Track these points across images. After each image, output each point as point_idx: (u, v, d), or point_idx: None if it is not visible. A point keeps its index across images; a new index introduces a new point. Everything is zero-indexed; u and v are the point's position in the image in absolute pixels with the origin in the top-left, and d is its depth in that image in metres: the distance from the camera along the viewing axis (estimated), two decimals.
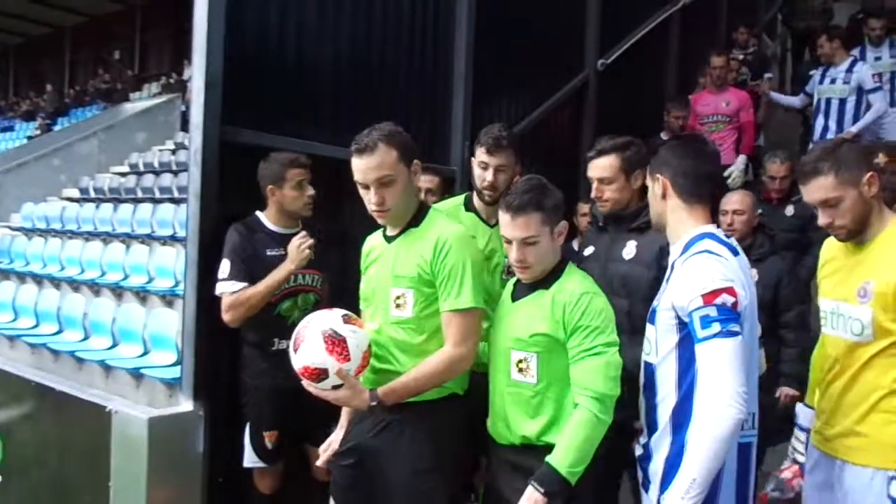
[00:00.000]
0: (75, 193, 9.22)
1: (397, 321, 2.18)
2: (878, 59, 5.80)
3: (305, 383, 2.08)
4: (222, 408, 2.97)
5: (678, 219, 1.95)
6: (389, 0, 3.88)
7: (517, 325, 2.13)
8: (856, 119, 5.39)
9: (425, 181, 3.20)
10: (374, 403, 2.07)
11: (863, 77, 5.37)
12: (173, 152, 9.57)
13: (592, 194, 2.64)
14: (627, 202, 2.58)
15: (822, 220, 2.01)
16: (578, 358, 2.01)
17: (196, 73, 2.87)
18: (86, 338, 5.34)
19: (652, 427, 1.91)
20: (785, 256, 3.82)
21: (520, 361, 2.09)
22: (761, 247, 3.50)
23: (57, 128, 13.40)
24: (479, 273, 2.16)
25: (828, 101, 5.49)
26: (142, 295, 5.39)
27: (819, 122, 5.55)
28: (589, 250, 2.70)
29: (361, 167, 2.16)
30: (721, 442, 1.67)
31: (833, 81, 5.47)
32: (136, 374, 4.47)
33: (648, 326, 1.94)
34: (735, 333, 1.72)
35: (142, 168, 9.49)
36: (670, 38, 6.84)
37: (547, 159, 5.17)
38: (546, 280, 2.13)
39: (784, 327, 3.45)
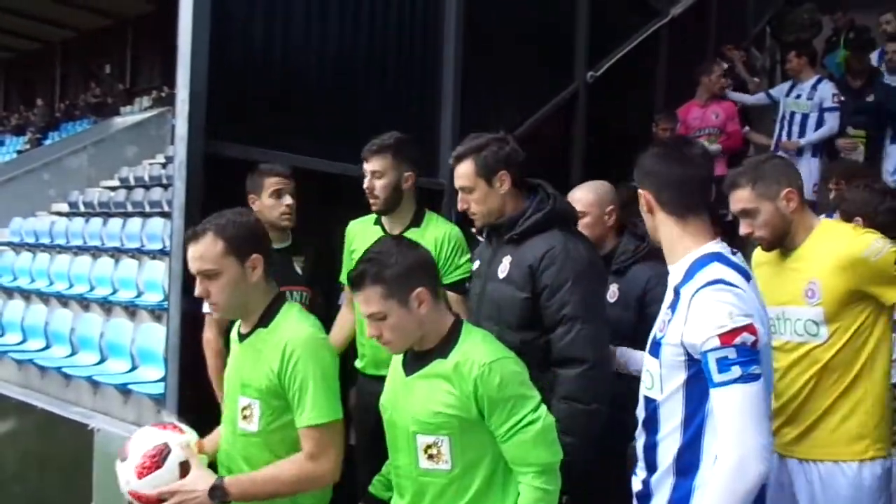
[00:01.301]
0: (64, 208, 9.18)
1: (244, 434, 1.98)
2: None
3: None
4: (208, 424, 2.92)
5: (672, 236, 1.73)
6: (377, 12, 3.88)
7: (417, 405, 1.83)
8: (816, 130, 5.55)
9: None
10: (215, 486, 1.85)
11: (825, 95, 5.53)
12: (163, 166, 9.54)
13: (458, 206, 2.37)
14: (500, 210, 2.26)
15: (742, 229, 2.11)
16: (509, 436, 1.76)
17: (180, 86, 2.86)
18: (73, 353, 5.30)
19: (651, 465, 1.73)
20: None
21: (428, 447, 1.80)
22: (623, 254, 2.77)
23: (47, 142, 13.37)
24: (332, 379, 1.93)
25: (792, 115, 5.65)
26: (130, 309, 5.35)
27: (781, 133, 5.69)
28: (475, 265, 2.47)
29: (188, 255, 2.00)
30: (745, 499, 1.52)
31: (798, 97, 5.65)
32: (124, 390, 4.43)
33: (650, 359, 1.73)
34: (757, 377, 1.54)
35: (132, 182, 9.47)
36: (659, 50, 6.88)
37: (536, 171, 5.17)
38: (441, 347, 1.83)
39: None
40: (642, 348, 2.19)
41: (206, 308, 2.69)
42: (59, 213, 8.92)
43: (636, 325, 2.46)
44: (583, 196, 2.76)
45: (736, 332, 1.54)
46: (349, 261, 2.72)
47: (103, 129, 11.64)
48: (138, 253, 6.24)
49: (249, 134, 3.15)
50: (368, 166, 2.68)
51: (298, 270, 2.86)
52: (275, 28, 3.32)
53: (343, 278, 2.73)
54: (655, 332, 1.74)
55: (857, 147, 4.61)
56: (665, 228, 1.74)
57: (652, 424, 1.71)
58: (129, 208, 8.11)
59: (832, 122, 5.44)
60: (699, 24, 7.71)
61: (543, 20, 5.26)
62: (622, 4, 6.34)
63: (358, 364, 2.82)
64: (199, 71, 2.87)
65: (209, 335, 2.76)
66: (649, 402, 1.72)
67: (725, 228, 4.96)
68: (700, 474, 1.62)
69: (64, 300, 5.94)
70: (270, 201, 2.79)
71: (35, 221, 8.60)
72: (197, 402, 2.90)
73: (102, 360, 5.01)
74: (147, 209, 7.83)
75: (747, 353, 1.54)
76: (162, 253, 5.97)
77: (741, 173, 2.11)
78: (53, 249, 7.22)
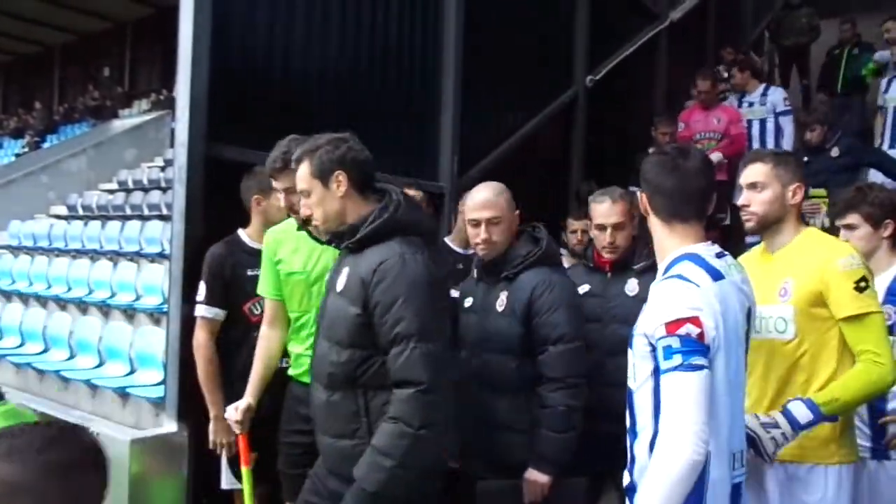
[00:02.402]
0: (63, 211, 9.15)
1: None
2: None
3: None
4: (207, 428, 2.92)
5: (659, 238, 1.84)
6: (377, 17, 3.89)
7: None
8: (776, 137, 5.82)
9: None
10: None
11: (776, 100, 5.83)
12: (162, 169, 9.51)
13: (301, 213, 2.23)
14: (339, 215, 2.07)
15: (741, 200, 2.18)
16: None
17: (181, 90, 2.86)
18: (71, 357, 5.27)
19: (632, 457, 1.80)
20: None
21: None
22: (513, 259, 2.54)
23: (46, 145, 13.34)
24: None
25: (749, 122, 5.89)
26: (129, 313, 5.33)
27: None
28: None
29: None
30: (675, 485, 1.54)
31: (751, 105, 5.91)
32: (123, 394, 4.41)
33: (629, 351, 1.82)
34: (698, 367, 1.58)
35: (131, 185, 9.44)
36: (658, 54, 6.89)
37: (536, 175, 5.18)
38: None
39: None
40: (531, 360, 2.33)
41: (198, 311, 2.70)
42: (58, 216, 8.89)
43: (523, 336, 2.34)
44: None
45: (680, 322, 1.61)
46: (273, 272, 2.52)
47: (102, 132, 11.61)
48: (137, 256, 6.21)
49: (249, 137, 3.15)
50: (279, 184, 2.43)
51: None
52: (276, 32, 3.33)
53: (265, 290, 2.56)
54: (633, 328, 1.83)
55: (819, 210, 4.06)
56: (654, 230, 1.87)
57: (631, 414, 1.80)
58: (128, 211, 8.08)
59: (789, 126, 5.76)
60: (698, 28, 7.74)
61: (543, 25, 5.27)
62: (622, 9, 6.35)
63: (293, 372, 2.62)
64: (199, 75, 2.88)
65: (201, 338, 2.73)
66: (629, 392, 1.82)
67: (723, 232, 5.00)
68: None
69: (62, 303, 5.91)
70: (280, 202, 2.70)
71: (33, 224, 8.56)
72: (196, 406, 2.89)
73: (101, 364, 4.98)
74: (146, 212, 7.81)
75: (691, 343, 1.60)
76: (161, 256, 5.94)
77: (766, 152, 2.25)
78: (52, 252, 7.18)
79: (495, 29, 4.74)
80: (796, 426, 1.97)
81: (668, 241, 1.81)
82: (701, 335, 1.61)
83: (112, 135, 11.14)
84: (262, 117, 3.26)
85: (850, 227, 2.54)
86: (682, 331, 1.60)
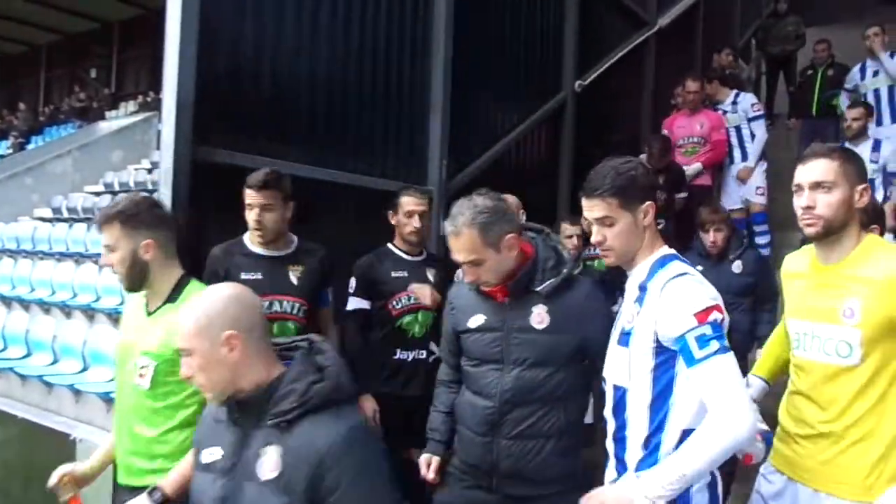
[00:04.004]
0: (48, 213, 9.07)
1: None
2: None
3: None
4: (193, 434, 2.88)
5: (650, 241, 1.91)
6: (366, 21, 3.87)
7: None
8: (752, 140, 5.83)
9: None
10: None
11: (745, 106, 5.89)
12: (149, 171, 9.45)
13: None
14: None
15: (803, 201, 1.95)
16: None
17: (167, 92, 2.83)
18: (55, 361, 5.21)
19: (621, 458, 1.85)
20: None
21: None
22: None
23: (30, 146, 13.21)
24: None
25: (726, 131, 5.92)
26: (114, 317, 5.27)
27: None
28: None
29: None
30: (731, 448, 1.65)
31: (724, 113, 5.92)
32: (107, 399, 4.36)
33: (618, 349, 1.87)
34: (730, 349, 1.70)
35: (117, 187, 9.37)
36: (646, 60, 6.92)
37: (525, 179, 5.18)
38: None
39: None
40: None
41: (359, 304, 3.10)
42: (42, 219, 8.80)
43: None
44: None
45: (709, 310, 1.70)
46: None
47: (88, 133, 11.52)
48: None
49: (236, 140, 3.12)
50: (102, 240, 2.36)
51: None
52: (264, 34, 3.31)
53: None
54: (623, 324, 1.87)
55: None
56: (651, 235, 1.89)
57: (620, 410, 1.85)
58: None
59: (760, 131, 5.82)
60: (686, 35, 7.78)
61: (532, 30, 5.28)
62: (611, 14, 6.38)
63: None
64: (186, 77, 2.85)
65: None
66: (617, 389, 1.86)
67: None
68: (663, 447, 1.76)
69: (46, 307, 5.84)
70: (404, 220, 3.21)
71: (17, 227, 8.46)
72: None
73: (85, 369, 4.93)
74: None
75: (719, 328, 1.71)
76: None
77: (832, 147, 1.97)
78: (36, 255, 7.11)
79: (484, 34, 4.74)
80: None
81: (658, 241, 1.90)
82: (723, 321, 1.72)
83: (98, 136, 11.05)
84: (249, 120, 3.24)
85: None
86: (712, 318, 1.69)
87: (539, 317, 2.15)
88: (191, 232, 2.87)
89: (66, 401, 4.63)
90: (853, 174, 1.92)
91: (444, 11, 4.24)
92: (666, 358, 1.76)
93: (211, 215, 2.98)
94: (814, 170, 1.93)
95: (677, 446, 1.74)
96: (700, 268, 3.33)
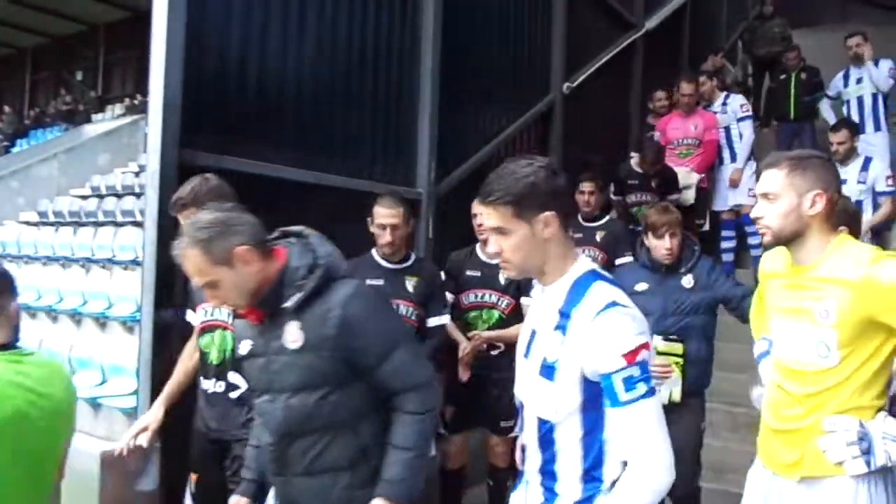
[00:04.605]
0: (33, 217, 8.99)
1: None
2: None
3: None
4: (180, 440, 2.86)
5: (561, 255, 1.68)
6: (354, 22, 3.86)
7: None
8: (741, 140, 5.91)
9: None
10: None
11: (735, 107, 5.98)
12: (136, 174, 9.39)
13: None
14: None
15: (755, 211, 2.00)
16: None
17: (154, 94, 2.82)
18: None
19: (549, 482, 1.71)
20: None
21: None
22: None
23: (15, 150, 13.11)
24: None
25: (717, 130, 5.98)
26: (101, 321, 5.24)
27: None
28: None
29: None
30: (651, 503, 1.55)
31: (715, 114, 5.98)
32: (94, 404, 4.32)
33: (541, 380, 1.67)
34: (655, 391, 1.58)
35: (103, 191, 9.30)
36: (634, 62, 6.96)
37: None
38: None
39: None
40: None
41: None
42: (28, 223, 8.72)
43: None
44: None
45: (638, 350, 1.55)
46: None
47: (74, 136, 11.44)
48: (109, 263, 6.11)
49: (224, 143, 3.11)
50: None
51: (409, 289, 3.19)
52: (251, 37, 3.29)
53: None
54: (545, 355, 1.67)
55: (670, 373, 3.07)
56: (559, 248, 1.67)
57: (547, 443, 1.69)
58: (101, 217, 7.94)
59: (748, 131, 5.90)
60: (673, 37, 7.83)
61: (521, 32, 5.29)
62: (598, 17, 6.40)
63: None
64: (172, 79, 2.83)
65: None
66: (543, 422, 1.69)
67: (701, 238, 5.02)
68: (605, 481, 1.62)
69: (32, 312, 5.79)
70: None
71: (2, 231, 8.38)
72: (169, 417, 2.83)
73: (71, 374, 4.88)
74: (119, 218, 7.68)
75: (646, 368, 1.57)
76: (134, 263, 5.85)
77: (785, 156, 1.98)
78: (21, 260, 7.05)
79: (473, 35, 4.75)
80: None
81: (571, 255, 1.69)
82: (650, 356, 1.60)
83: (85, 139, 10.99)
84: (236, 123, 3.22)
85: None
86: (640, 358, 1.56)
87: (292, 335, 1.87)
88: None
89: None
90: (802, 182, 1.92)
91: (432, 14, 4.24)
92: (595, 392, 1.61)
93: None
94: (762, 180, 1.98)
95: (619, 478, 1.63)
96: (645, 285, 3.23)
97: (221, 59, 3.17)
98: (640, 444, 1.56)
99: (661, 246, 3.22)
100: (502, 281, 3.41)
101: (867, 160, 4.90)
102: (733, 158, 5.90)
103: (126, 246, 6.47)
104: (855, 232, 2.61)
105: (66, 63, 16.95)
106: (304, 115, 3.58)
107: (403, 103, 4.18)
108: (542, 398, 1.68)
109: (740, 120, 5.91)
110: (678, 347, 3.11)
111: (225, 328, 2.57)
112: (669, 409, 2.59)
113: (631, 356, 1.54)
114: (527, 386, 1.73)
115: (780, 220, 1.94)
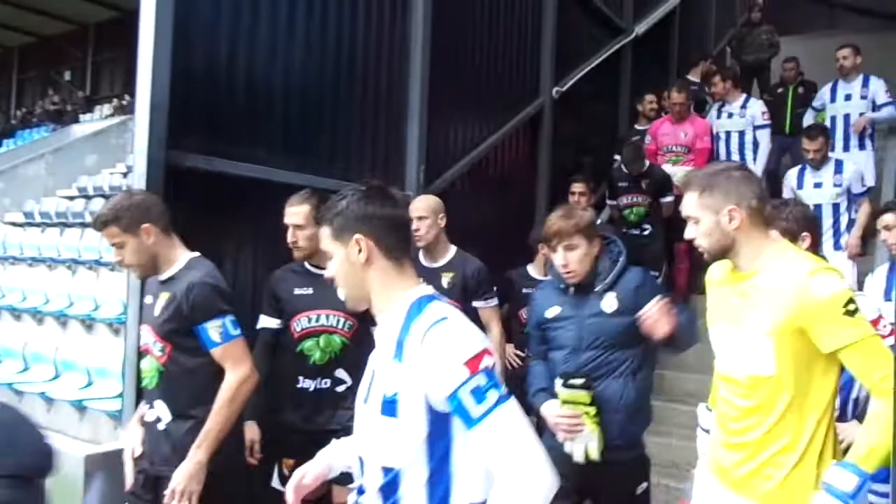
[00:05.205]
0: (20, 218, 8.91)
1: None
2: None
3: None
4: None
5: (387, 283, 1.58)
6: (343, 25, 3.86)
7: None
8: (754, 148, 5.78)
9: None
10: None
11: (755, 112, 5.82)
12: (124, 175, 9.33)
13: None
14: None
15: (687, 233, 2.03)
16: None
17: (141, 95, 2.80)
18: (26, 369, 5.11)
19: None
20: None
21: None
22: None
23: (2, 150, 13.00)
24: None
25: (727, 134, 5.88)
26: (87, 323, 5.20)
27: (719, 154, 5.86)
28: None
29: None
30: None
31: (730, 115, 5.89)
32: (80, 407, 4.29)
33: (383, 419, 1.53)
34: (510, 394, 1.45)
35: (91, 192, 9.23)
36: (623, 66, 7.00)
37: (503, 184, 5.19)
38: None
39: None
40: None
41: (265, 321, 2.84)
42: (14, 224, 8.64)
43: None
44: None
45: (480, 356, 1.44)
46: None
47: (62, 136, 11.37)
48: (96, 265, 6.07)
49: (212, 145, 3.09)
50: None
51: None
52: (240, 37, 3.28)
53: None
54: (383, 390, 1.54)
55: (580, 430, 2.50)
56: (382, 276, 1.58)
57: (391, 490, 1.54)
58: (88, 219, 7.88)
59: (765, 140, 5.75)
60: (662, 42, 7.88)
61: (510, 36, 5.30)
62: (588, 22, 6.43)
63: None
64: (160, 80, 2.82)
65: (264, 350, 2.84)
66: (387, 471, 1.54)
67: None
68: None
69: (17, 314, 5.74)
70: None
71: None
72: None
73: (57, 376, 4.85)
74: None
75: (493, 375, 1.45)
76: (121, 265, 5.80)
77: (695, 177, 2.01)
78: (7, 261, 6.99)
79: (462, 38, 4.75)
80: (845, 497, 1.75)
81: (399, 282, 1.58)
82: (494, 365, 1.48)
83: (72, 140, 10.92)
84: (225, 125, 3.21)
85: None
86: (483, 364, 1.43)
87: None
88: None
89: (37, 409, 4.54)
90: (714, 202, 1.93)
91: (421, 16, 4.25)
92: (440, 423, 1.48)
93: (186, 220, 2.94)
94: (683, 205, 2.01)
95: None
96: (558, 309, 2.59)
97: (210, 60, 3.16)
98: (508, 454, 1.41)
99: (557, 262, 2.57)
100: (446, 285, 3.29)
101: (839, 163, 4.90)
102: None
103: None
104: (816, 237, 2.60)
105: (55, 62, 16.86)
106: (293, 117, 3.57)
107: (393, 106, 4.18)
108: (384, 441, 1.54)
109: (759, 127, 5.75)
110: (583, 396, 2.45)
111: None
112: (590, 470, 2.46)
113: (472, 364, 1.42)
114: (367, 433, 1.59)
115: (707, 239, 1.97)
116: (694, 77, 7.11)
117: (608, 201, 5.46)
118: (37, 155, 10.38)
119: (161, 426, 2.36)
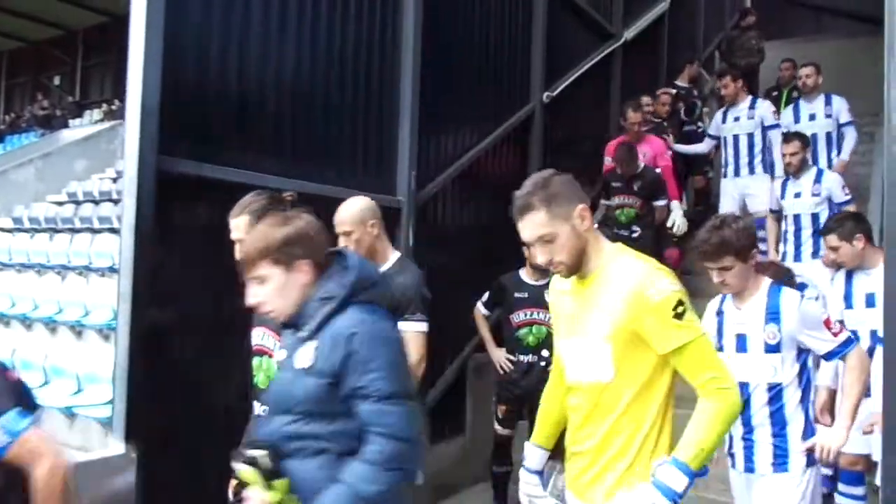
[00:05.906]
0: (8, 223, 8.85)
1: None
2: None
3: None
4: (157, 449, 2.83)
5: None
6: (335, 30, 3.87)
7: None
8: (763, 149, 5.61)
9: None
10: None
11: (764, 113, 5.64)
12: (114, 181, 9.28)
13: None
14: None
15: (541, 258, 1.92)
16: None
17: (131, 99, 2.79)
18: None
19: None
20: None
21: None
22: None
23: None
24: None
25: (735, 138, 5.71)
26: (77, 329, 5.17)
27: (727, 157, 5.75)
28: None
29: None
30: None
31: (737, 119, 5.71)
32: (69, 414, 4.26)
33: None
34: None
35: (80, 197, 9.18)
36: (613, 71, 7.03)
37: (493, 190, 5.21)
38: None
39: None
40: None
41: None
42: (3, 229, 8.58)
43: None
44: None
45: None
46: None
47: (51, 141, 11.31)
48: (86, 270, 6.03)
49: (203, 150, 3.09)
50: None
51: None
52: (231, 42, 3.28)
53: None
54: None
55: None
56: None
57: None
58: (77, 224, 7.84)
59: (777, 138, 5.49)
60: (651, 47, 7.92)
61: (501, 42, 5.32)
62: (577, 27, 6.47)
63: None
64: (150, 85, 2.81)
65: None
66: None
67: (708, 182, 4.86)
68: None
69: (6, 320, 5.70)
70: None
71: None
72: (145, 426, 2.81)
73: (46, 383, 4.81)
74: (96, 225, 7.58)
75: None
76: (111, 271, 5.77)
77: (531, 194, 1.89)
78: None
79: (453, 44, 4.77)
80: (675, 497, 1.77)
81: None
82: None
83: (61, 145, 10.85)
84: (216, 130, 3.20)
85: (725, 268, 2.47)
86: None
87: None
88: (156, 244, 2.83)
89: None
90: (561, 209, 1.87)
91: (412, 23, 4.26)
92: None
93: (176, 226, 2.94)
94: (531, 228, 1.89)
95: None
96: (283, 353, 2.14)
97: (200, 65, 3.15)
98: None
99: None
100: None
101: (819, 172, 4.87)
102: (751, 170, 5.60)
103: (103, 253, 6.39)
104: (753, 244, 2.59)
105: (44, 67, 16.80)
106: (284, 122, 3.57)
107: (384, 111, 4.18)
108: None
109: (769, 128, 5.58)
110: (250, 474, 1.69)
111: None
112: None
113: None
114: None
115: (566, 252, 1.88)
116: (682, 82, 7.14)
117: (602, 201, 5.47)
118: (26, 160, 10.30)
119: None
